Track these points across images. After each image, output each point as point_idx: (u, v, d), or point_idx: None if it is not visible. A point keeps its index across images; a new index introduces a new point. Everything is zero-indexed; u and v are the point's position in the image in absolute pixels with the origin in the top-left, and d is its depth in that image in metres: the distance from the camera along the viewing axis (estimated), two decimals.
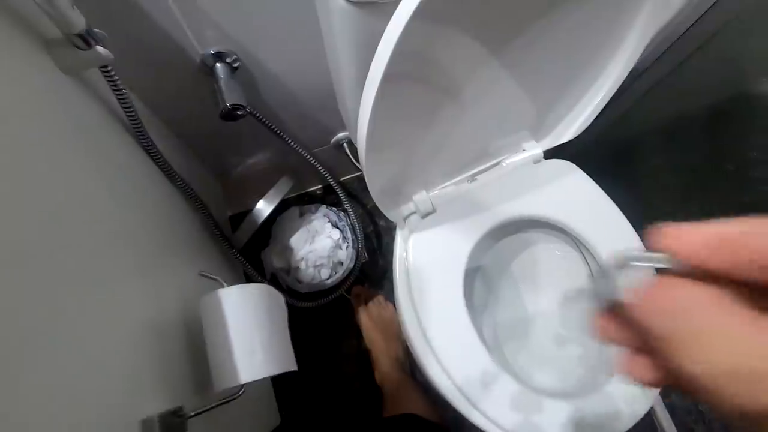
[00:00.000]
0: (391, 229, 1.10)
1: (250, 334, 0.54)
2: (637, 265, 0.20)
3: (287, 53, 0.70)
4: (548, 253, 0.82)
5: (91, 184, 0.48)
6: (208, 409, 0.51)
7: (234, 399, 0.53)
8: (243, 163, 0.96)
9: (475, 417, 0.63)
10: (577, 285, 0.77)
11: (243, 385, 0.52)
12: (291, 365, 0.59)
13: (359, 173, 1.16)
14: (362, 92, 0.68)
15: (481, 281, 0.80)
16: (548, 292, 0.79)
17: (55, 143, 0.44)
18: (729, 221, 0.17)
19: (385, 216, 1.10)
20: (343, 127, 0.95)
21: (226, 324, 0.54)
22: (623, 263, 0.20)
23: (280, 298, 0.63)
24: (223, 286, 0.56)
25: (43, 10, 0.42)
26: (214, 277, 0.57)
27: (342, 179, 1.17)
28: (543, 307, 0.78)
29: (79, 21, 0.45)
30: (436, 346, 0.65)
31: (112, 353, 0.42)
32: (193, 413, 0.49)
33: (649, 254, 0.19)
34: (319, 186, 1.16)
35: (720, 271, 0.17)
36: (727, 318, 0.16)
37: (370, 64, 0.61)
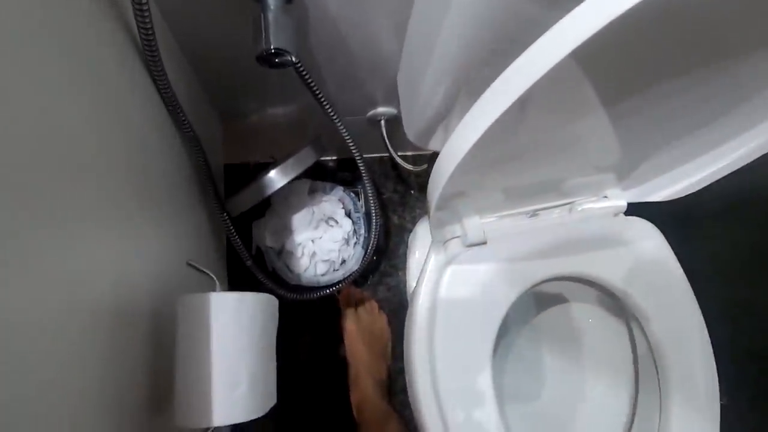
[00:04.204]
0: (404, 229, 0.96)
1: (237, 359, 0.41)
2: None
3: None
4: (592, 318, 0.72)
5: (69, 88, 0.33)
6: None
7: None
8: (258, 111, 0.80)
9: None
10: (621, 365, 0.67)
11: (214, 429, 0.39)
12: (273, 399, 0.46)
13: (385, 154, 1.01)
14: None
15: (504, 330, 0.69)
16: (588, 371, 0.69)
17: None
18: None
19: (400, 212, 0.95)
20: (387, 102, 0.80)
21: (210, 341, 0.40)
22: None
23: (275, 309, 0.49)
24: (215, 286, 0.42)
25: None
26: (207, 272, 0.42)
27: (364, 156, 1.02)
28: (586, 394, 0.68)
29: None
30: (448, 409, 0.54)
31: (47, 334, 0.29)
32: None
33: None
34: (334, 158, 1.00)
35: None
36: None
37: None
